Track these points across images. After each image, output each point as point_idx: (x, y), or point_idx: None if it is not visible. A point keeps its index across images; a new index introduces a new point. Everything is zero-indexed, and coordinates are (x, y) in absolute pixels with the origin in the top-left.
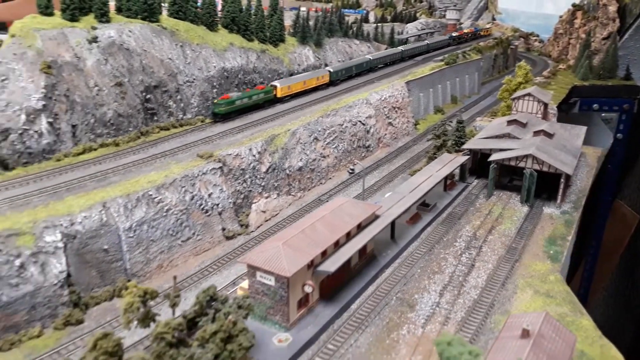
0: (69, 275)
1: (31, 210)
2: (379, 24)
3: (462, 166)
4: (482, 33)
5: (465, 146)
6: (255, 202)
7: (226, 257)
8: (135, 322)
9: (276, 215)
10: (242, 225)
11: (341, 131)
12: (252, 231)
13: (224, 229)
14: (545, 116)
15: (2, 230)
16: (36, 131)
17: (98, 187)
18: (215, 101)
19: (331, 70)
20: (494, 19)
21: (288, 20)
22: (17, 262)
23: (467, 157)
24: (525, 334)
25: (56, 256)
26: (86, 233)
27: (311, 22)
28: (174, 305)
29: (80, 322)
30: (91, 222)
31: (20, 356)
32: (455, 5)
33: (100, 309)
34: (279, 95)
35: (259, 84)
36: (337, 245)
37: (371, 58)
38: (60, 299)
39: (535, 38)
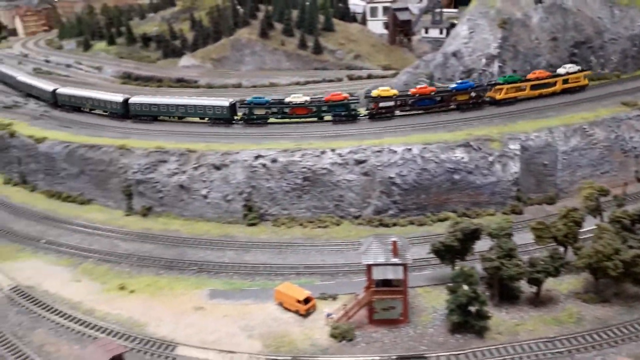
0: (517, 177)
1: (495, 127)
2: None
3: None
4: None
5: None
6: None
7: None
8: (586, 212)
9: None
10: None
11: None
12: None
13: (636, 171)
14: None
15: (481, 136)
16: (490, 72)
17: (538, 118)
18: None
19: None
20: None
21: None
22: (490, 159)
23: None
24: None
25: (513, 161)
26: (534, 148)
27: None
28: (620, 205)
29: (520, 212)
30: (539, 141)
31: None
32: None
33: (533, 209)
34: None
35: None
36: None
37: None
38: (510, 193)
39: None
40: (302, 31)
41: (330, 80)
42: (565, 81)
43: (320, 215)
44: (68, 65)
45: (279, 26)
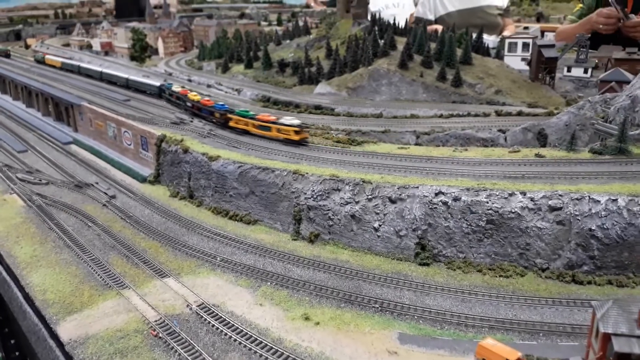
0: None
1: None
2: None
3: None
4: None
5: None
6: None
7: None
8: None
9: None
10: None
11: None
12: None
13: None
14: None
15: None
16: None
17: None
18: None
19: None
20: None
21: None
22: None
23: None
24: None
25: None
26: None
27: None
28: None
29: None
30: None
31: None
32: None
33: None
34: None
35: None
36: None
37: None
38: None
39: None
40: (441, 63)
41: (477, 115)
42: (279, 130)
43: (502, 263)
44: (209, 86)
45: (417, 58)
